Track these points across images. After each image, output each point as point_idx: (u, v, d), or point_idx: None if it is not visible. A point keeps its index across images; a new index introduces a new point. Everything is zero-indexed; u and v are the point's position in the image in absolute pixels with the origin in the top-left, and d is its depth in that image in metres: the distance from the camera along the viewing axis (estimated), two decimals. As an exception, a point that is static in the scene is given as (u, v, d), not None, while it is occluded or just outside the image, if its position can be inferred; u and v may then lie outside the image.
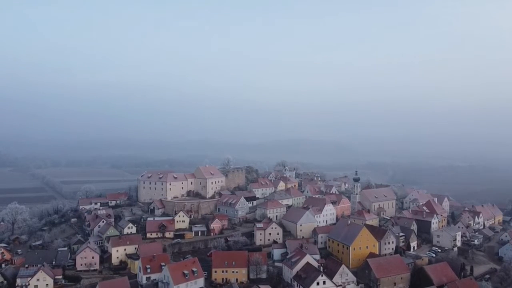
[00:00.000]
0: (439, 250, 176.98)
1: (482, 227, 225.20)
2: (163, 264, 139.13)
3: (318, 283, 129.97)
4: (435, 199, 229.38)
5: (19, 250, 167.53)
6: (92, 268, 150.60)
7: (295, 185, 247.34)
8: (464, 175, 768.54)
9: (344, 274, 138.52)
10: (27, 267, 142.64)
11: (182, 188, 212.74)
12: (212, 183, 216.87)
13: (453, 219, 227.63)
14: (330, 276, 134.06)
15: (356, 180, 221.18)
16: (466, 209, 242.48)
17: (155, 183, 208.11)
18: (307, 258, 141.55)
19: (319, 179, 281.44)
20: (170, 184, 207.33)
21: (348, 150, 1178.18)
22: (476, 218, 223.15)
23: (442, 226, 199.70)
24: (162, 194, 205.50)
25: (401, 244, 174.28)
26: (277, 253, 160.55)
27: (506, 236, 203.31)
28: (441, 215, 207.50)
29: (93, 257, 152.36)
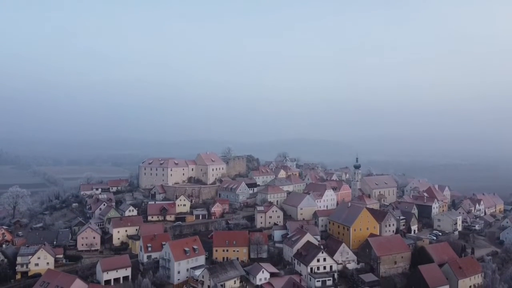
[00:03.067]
0: (440, 234, 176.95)
1: (483, 214, 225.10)
2: (164, 243, 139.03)
3: (318, 260, 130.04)
4: (436, 186, 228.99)
5: (20, 232, 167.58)
6: (93, 248, 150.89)
7: (295, 174, 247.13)
8: (465, 173, 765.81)
9: (345, 253, 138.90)
10: (28, 246, 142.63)
11: (183, 174, 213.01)
12: (213, 169, 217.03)
13: (454, 206, 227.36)
14: (331, 254, 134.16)
15: (357, 167, 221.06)
16: (467, 197, 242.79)
17: (156, 169, 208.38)
18: (308, 237, 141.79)
19: (320, 168, 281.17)
20: (171, 170, 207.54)
21: (349, 149, 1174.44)
22: (477, 205, 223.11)
23: (443, 211, 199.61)
24: (163, 180, 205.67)
25: (402, 227, 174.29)
26: (277, 234, 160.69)
27: (507, 222, 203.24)
28: (442, 201, 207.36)
29: (94, 238, 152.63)
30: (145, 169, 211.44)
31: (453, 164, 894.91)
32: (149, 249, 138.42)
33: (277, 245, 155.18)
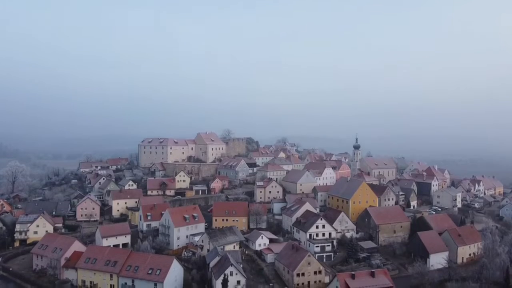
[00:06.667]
0: (440, 209, 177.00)
1: (482, 194, 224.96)
2: (163, 212, 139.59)
3: (317, 227, 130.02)
4: (436, 167, 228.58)
5: (19, 205, 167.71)
6: (92, 219, 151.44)
7: (295, 155, 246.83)
8: (465, 168, 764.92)
9: (344, 222, 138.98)
10: (27, 215, 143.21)
11: (183, 153, 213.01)
12: (212, 149, 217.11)
13: (453, 186, 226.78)
14: (330, 223, 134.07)
15: (356, 147, 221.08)
16: (466, 178, 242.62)
17: (156, 148, 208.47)
18: (307, 206, 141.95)
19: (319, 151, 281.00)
20: (171, 148, 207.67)
21: (348, 147, 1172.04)
22: (477, 185, 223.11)
23: (442, 187, 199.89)
24: (163, 158, 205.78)
25: (401, 203, 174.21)
26: (277, 207, 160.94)
27: (507, 201, 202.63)
28: (442, 180, 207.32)
29: (93, 208, 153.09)
30: (144, 147, 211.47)
31: (452, 160, 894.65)
32: (149, 217, 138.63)
33: (276, 217, 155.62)
